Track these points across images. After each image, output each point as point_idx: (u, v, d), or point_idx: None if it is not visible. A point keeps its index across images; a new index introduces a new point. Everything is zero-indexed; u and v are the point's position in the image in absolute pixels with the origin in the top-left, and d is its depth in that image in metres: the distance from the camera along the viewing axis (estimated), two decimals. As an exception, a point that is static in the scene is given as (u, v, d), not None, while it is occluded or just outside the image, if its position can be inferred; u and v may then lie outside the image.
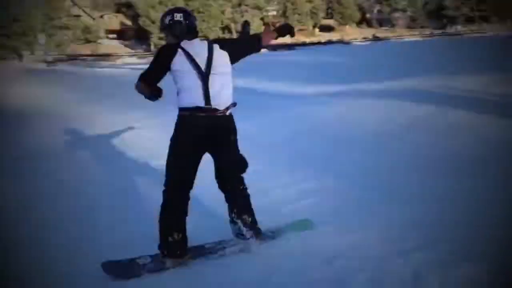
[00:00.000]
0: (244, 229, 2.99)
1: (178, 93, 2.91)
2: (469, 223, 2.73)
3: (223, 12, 54.91)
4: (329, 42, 45.78)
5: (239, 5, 56.10)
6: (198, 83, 2.86)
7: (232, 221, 3.05)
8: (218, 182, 3.12)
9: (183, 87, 2.88)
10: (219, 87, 2.90)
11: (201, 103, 2.84)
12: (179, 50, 2.87)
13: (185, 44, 2.91)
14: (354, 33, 60.62)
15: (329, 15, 70.82)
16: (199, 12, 53.49)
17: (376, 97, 6.98)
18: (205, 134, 2.88)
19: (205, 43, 3.01)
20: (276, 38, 3.23)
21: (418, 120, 5.46)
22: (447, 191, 3.35)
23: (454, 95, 6.49)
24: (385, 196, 3.44)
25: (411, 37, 46.56)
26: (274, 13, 60.08)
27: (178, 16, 3.01)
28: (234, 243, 3.01)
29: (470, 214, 2.87)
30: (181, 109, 2.89)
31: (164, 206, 2.89)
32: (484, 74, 7.53)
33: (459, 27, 61.07)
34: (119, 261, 2.84)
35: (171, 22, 2.99)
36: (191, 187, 2.93)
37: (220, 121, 2.92)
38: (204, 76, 2.86)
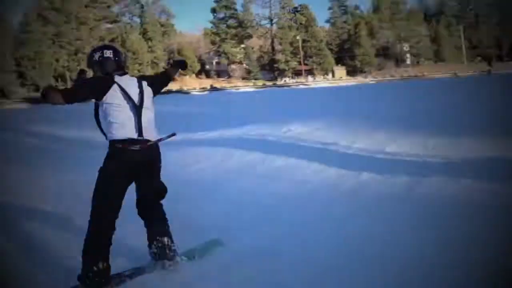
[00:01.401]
0: (165, 252, 3.05)
1: (107, 126, 2.97)
2: None
3: (57, 60, 52.19)
4: (169, 91, 46.37)
5: (76, 53, 54.08)
6: (131, 116, 2.99)
7: (152, 245, 3.10)
8: (139, 209, 3.16)
9: (116, 120, 2.95)
10: (149, 120, 3.06)
11: (134, 135, 2.94)
12: (114, 85, 2.95)
13: (118, 79, 3.00)
14: (193, 83, 62.48)
15: (169, 65, 72.10)
16: (29, 59, 50.67)
17: (212, 144, 7.23)
18: (136, 164, 2.98)
19: (135, 79, 3.15)
20: (177, 72, 3.53)
21: (248, 166, 5.82)
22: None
23: (282, 142, 7.07)
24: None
25: (246, 87, 49.82)
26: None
27: (108, 53, 3.11)
28: (153, 267, 3.05)
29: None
30: (113, 142, 2.95)
31: (91, 236, 2.88)
32: (308, 121, 8.40)
33: (287, 79, 68.08)
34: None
35: (100, 58, 3.07)
36: (117, 216, 2.94)
37: (151, 152, 3.05)
38: (138, 109, 3.00)
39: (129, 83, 3.06)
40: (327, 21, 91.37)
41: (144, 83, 3.13)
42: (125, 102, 2.96)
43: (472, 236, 2.99)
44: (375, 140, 6.38)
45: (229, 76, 75.57)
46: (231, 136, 7.92)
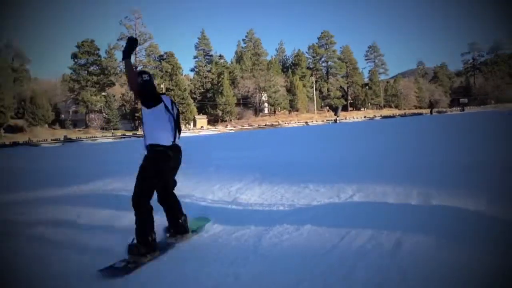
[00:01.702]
0: (187, 225, 4.58)
1: (152, 132, 4.14)
2: None
3: None
4: (14, 143, 42.72)
5: None
6: (171, 126, 4.24)
7: (178, 222, 4.53)
8: (161, 197, 4.52)
9: (160, 127, 4.14)
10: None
11: (171, 142, 4.21)
12: (163, 99, 4.25)
13: (162, 96, 4.27)
14: (44, 134, 58.21)
15: (19, 115, 66.28)
16: None
17: (52, 202, 6.71)
18: (170, 164, 4.25)
19: (169, 98, 4.39)
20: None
21: (102, 223, 5.49)
22: None
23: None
24: None
25: (104, 138, 48.03)
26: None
27: (146, 76, 4.22)
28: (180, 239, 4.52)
29: None
30: (159, 145, 4.11)
31: (141, 214, 4.05)
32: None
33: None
34: (110, 266, 3.88)
35: (141, 81, 4.14)
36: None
37: (180, 155, 4.38)
38: (174, 121, 4.27)
39: (167, 100, 4.30)
40: (192, 70, 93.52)
41: (175, 104, 4.42)
42: (167, 113, 4.20)
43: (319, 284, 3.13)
44: (228, 191, 6.50)
45: (87, 126, 71.97)
46: (82, 192, 7.43)
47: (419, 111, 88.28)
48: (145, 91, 4.14)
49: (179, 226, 4.52)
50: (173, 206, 4.53)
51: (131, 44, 4.03)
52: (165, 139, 4.16)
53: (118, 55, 77.47)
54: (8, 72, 64.75)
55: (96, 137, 52.29)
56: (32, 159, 19.63)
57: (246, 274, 3.53)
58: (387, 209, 4.76)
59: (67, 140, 45.87)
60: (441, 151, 9.52)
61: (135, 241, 4.03)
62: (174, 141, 4.23)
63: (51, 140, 46.72)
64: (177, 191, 5.58)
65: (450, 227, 3.99)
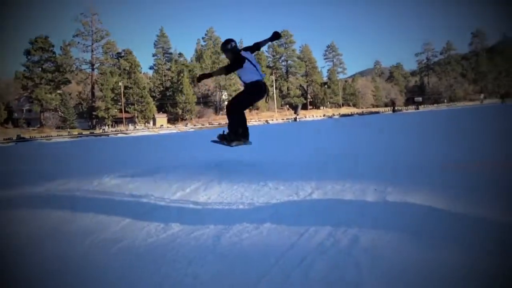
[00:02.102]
0: (248, 134, 6.76)
1: (245, 75, 6.40)
2: None
3: None
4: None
5: None
6: (256, 70, 6.45)
7: (246, 132, 6.75)
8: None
9: (251, 73, 6.37)
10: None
11: (260, 78, 6.47)
12: (246, 56, 6.42)
13: (244, 54, 6.43)
14: (-5, 134, 55.96)
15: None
16: None
17: (18, 207, 6.43)
18: (258, 91, 6.54)
19: (249, 52, 6.52)
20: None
21: (52, 229, 5.30)
22: None
23: (92, 197, 6.65)
24: None
25: (59, 137, 46.61)
26: None
27: (233, 43, 6.58)
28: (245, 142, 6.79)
29: None
30: (253, 81, 6.38)
31: (238, 117, 6.48)
32: (122, 172, 8.09)
33: (106, 128, 65.61)
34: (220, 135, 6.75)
35: (230, 47, 6.49)
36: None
37: (266, 87, 6.64)
38: (257, 67, 6.49)
39: (250, 55, 6.41)
40: (151, 68, 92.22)
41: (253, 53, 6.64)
42: (252, 64, 6.35)
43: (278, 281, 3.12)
44: (188, 190, 6.42)
45: (42, 125, 69.52)
46: (35, 193, 7.15)
47: (376, 109, 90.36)
48: (233, 61, 6.38)
49: (246, 134, 6.78)
50: (245, 120, 6.79)
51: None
52: (257, 77, 6.49)
53: (74, 52, 75.57)
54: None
55: (51, 136, 50.66)
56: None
57: (205, 274, 3.49)
58: (345, 206, 4.83)
59: (20, 139, 44.17)
60: (398, 149, 9.76)
61: (226, 132, 6.68)
62: (261, 78, 6.57)
63: (3, 139, 44.86)
64: (136, 191, 5.44)
65: (406, 224, 4.08)
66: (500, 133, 12.34)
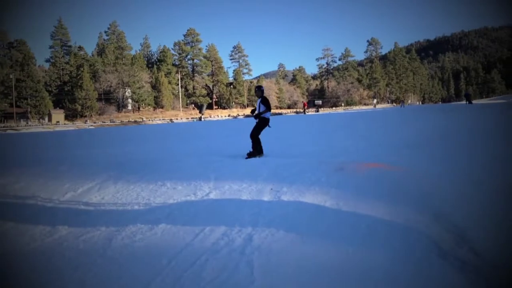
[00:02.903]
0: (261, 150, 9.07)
1: (263, 113, 8.97)
2: None
3: None
4: None
5: None
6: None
7: (261, 149, 8.99)
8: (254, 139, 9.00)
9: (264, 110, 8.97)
10: None
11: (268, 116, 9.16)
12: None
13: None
14: None
15: None
16: None
17: None
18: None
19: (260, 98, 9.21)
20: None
21: None
22: None
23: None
24: None
25: None
26: None
27: (263, 87, 9.47)
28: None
29: None
30: (265, 117, 8.97)
31: (258, 141, 8.91)
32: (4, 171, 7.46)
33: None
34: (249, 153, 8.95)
35: (262, 89, 9.39)
36: None
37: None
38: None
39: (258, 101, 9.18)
40: (47, 61, 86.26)
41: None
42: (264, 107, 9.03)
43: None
44: (80, 190, 6.09)
45: None
46: None
47: (279, 111, 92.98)
48: (267, 103, 8.97)
49: (261, 150, 8.85)
50: (258, 141, 8.88)
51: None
52: (266, 115, 8.91)
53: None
54: None
55: None
56: None
57: (92, 278, 3.32)
58: (241, 205, 4.88)
59: None
60: (296, 149, 10.10)
61: (251, 150, 8.84)
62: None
63: None
64: (21, 191, 5.10)
65: (299, 222, 4.22)
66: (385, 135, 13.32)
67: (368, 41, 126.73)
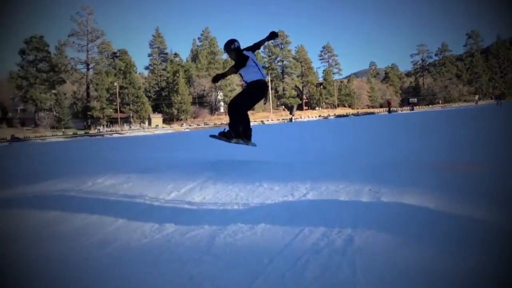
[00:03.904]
0: (250, 134, 7.08)
1: (248, 74, 6.52)
2: None
3: None
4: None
5: None
6: (259, 69, 6.62)
7: (244, 132, 6.85)
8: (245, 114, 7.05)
9: (253, 71, 6.52)
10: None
11: (262, 77, 6.62)
12: (249, 55, 6.56)
13: (246, 53, 6.59)
14: (-10, 134, 55.57)
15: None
16: None
17: (7, 206, 6.38)
18: (262, 90, 6.74)
19: (252, 52, 6.67)
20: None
21: (43, 228, 5.29)
22: None
23: (85, 197, 6.63)
24: None
25: (54, 137, 46.44)
26: None
27: (236, 43, 6.71)
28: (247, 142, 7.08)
29: None
30: (254, 80, 6.49)
31: (239, 116, 6.63)
32: (117, 173, 8.06)
33: (101, 128, 65.43)
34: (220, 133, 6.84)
35: (233, 46, 6.61)
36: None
37: (267, 87, 6.89)
38: (259, 66, 6.69)
39: (252, 55, 6.59)
40: (147, 68, 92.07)
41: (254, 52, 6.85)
42: (254, 63, 6.55)
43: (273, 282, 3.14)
44: (183, 190, 6.42)
45: (36, 125, 69.18)
46: (28, 193, 7.11)
47: (372, 110, 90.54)
48: (238, 60, 6.46)
49: (248, 134, 6.98)
50: (248, 120, 6.91)
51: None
52: (259, 77, 6.64)
53: (70, 52, 75.38)
54: None
55: (46, 136, 50.43)
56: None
57: (200, 274, 3.48)
58: (339, 206, 4.84)
59: (15, 139, 43.97)
60: (392, 149, 9.78)
61: (227, 129, 6.73)
62: (263, 78, 6.73)
63: (-2, 139, 44.61)
64: (130, 191, 5.42)
65: (400, 224, 4.10)
66: (494, 134, 12.41)
67: (467, 34, 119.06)
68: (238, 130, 6.66)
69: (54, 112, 71.62)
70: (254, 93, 6.69)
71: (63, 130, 64.72)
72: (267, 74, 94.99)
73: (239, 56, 6.49)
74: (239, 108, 6.61)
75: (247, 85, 6.63)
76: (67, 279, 3.69)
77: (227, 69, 6.45)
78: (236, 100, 6.69)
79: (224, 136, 6.69)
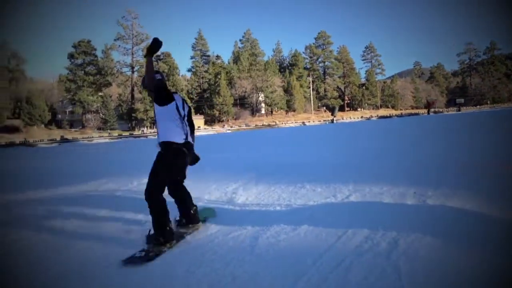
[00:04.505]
0: (197, 215, 4.78)
1: (165, 130, 4.35)
2: None
3: None
4: (11, 144, 42.47)
5: None
6: (183, 125, 4.47)
7: (190, 213, 4.73)
8: (173, 190, 4.72)
9: (173, 125, 4.36)
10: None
11: (184, 140, 4.46)
12: (175, 97, 4.44)
13: (175, 96, 4.46)
14: (41, 134, 57.86)
15: (15, 115, 66.06)
16: None
17: (56, 204, 6.66)
18: (182, 160, 4.48)
19: (181, 98, 4.55)
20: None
21: (91, 227, 5.49)
22: None
23: (131, 197, 6.82)
24: None
25: (100, 138, 47.92)
26: None
27: (158, 76, 4.47)
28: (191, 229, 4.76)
29: None
30: (174, 143, 4.35)
31: (159, 207, 4.26)
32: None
33: (145, 129, 67.11)
34: (131, 257, 4.09)
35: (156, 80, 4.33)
36: None
37: (192, 151, 4.62)
38: (182, 121, 4.46)
39: (179, 100, 4.50)
40: (189, 70, 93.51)
41: (186, 104, 4.59)
42: (177, 115, 4.41)
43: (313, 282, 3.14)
44: (225, 191, 6.50)
45: (83, 126, 71.80)
46: (74, 193, 7.40)
47: (416, 111, 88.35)
48: (159, 89, 4.44)
49: (191, 216, 4.75)
50: (185, 198, 4.77)
51: (157, 44, 4.27)
52: (178, 137, 4.42)
53: (115, 55, 77.68)
54: (4, 72, 64.63)
55: (93, 137, 52.14)
56: (28, 159, 19.57)
57: (243, 274, 3.53)
58: (383, 209, 4.77)
59: (64, 140, 45.73)
60: (438, 151, 9.53)
61: (152, 231, 4.41)
62: (186, 138, 4.51)
63: (48, 140, 46.45)
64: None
65: (446, 227, 4.00)
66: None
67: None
68: (168, 226, 4.32)
69: (101, 114, 74.12)
70: (174, 163, 4.45)
71: (108, 131, 66.79)
72: (309, 75, 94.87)
73: (161, 91, 4.46)
74: (159, 196, 4.30)
75: (163, 149, 4.45)
76: (110, 278, 3.82)
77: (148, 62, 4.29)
78: (150, 184, 4.30)
79: (152, 244, 4.29)
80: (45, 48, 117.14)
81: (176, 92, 4.58)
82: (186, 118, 4.52)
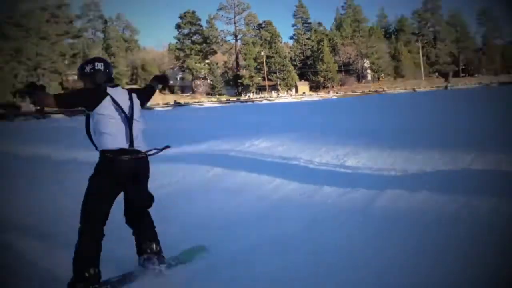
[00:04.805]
0: (152, 258, 3.14)
1: (99, 137, 3.00)
2: None
3: (15, 76, 50.45)
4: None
5: (35, 68, 52.72)
6: (123, 127, 3.05)
7: (141, 251, 3.20)
8: (127, 217, 3.26)
9: (107, 131, 2.99)
10: (139, 132, 3.14)
11: (125, 146, 3.02)
12: (108, 96, 3.02)
13: (110, 91, 3.07)
14: (156, 99, 61.76)
15: (133, 81, 71.25)
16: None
17: (173, 161, 7.10)
18: (126, 174, 3.02)
19: (126, 91, 3.22)
20: (158, 86, 3.62)
21: (210, 182, 5.81)
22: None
23: (244, 157, 7.09)
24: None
25: (210, 103, 50.03)
26: (75, 77, 57.83)
27: (99, 65, 3.16)
28: (142, 273, 3.09)
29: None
30: (104, 151, 2.99)
31: (82, 242, 2.93)
32: (271, 136, 8.43)
33: (251, 95, 68.63)
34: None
35: (92, 70, 3.12)
36: (105, 224, 3.01)
37: (140, 162, 3.10)
38: (129, 121, 3.07)
39: (120, 95, 3.13)
40: (291, 38, 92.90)
41: (134, 96, 3.22)
42: (117, 113, 3.04)
43: (429, 247, 3.07)
44: (336, 154, 6.46)
45: (193, 92, 75.33)
46: (194, 151, 7.86)
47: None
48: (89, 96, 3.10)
49: (148, 246, 3.23)
50: (142, 229, 3.28)
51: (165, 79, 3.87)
52: (114, 142, 3.02)
53: (219, 24, 79.90)
54: (120, 42, 69.90)
55: (203, 102, 54.83)
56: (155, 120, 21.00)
57: (357, 235, 3.48)
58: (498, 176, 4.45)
59: (177, 104, 48.76)
60: None
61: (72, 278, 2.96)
62: (131, 144, 3.06)
63: (163, 104, 49.87)
64: (285, 153, 5.61)
65: None
66: None
67: None
68: (85, 274, 2.87)
69: (209, 80, 77.11)
70: (97, 183, 3.03)
71: (217, 96, 69.53)
72: (417, 40, 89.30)
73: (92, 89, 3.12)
74: (88, 229, 2.97)
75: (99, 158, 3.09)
76: (218, 231, 4.01)
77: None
78: (81, 215, 3.01)
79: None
80: (154, 19, 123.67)
81: (117, 85, 3.23)
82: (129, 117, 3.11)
